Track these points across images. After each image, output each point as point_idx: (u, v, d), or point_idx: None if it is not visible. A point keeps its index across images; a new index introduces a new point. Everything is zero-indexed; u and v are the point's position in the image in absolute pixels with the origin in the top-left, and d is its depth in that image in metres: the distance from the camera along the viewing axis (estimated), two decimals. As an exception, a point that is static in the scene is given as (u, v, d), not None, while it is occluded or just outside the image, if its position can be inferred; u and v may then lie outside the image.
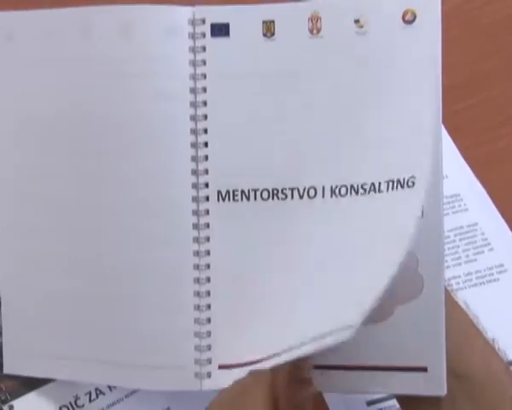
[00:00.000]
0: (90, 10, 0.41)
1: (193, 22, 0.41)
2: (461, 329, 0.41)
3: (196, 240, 0.41)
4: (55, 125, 0.42)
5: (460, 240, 0.59)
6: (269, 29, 0.41)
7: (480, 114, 0.65)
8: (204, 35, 0.41)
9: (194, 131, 0.41)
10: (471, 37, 0.68)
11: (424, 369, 0.40)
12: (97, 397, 0.47)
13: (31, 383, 0.46)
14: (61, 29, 0.41)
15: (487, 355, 0.41)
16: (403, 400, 0.43)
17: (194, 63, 0.41)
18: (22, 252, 0.43)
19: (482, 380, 0.40)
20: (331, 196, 0.39)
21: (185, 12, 0.41)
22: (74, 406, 0.46)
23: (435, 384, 0.40)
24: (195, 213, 0.41)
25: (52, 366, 0.43)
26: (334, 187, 0.40)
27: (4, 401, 0.45)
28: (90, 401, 0.47)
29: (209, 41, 0.41)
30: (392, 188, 0.38)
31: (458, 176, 0.62)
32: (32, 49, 0.42)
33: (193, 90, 0.41)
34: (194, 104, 0.41)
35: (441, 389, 0.39)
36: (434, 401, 0.40)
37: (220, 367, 0.41)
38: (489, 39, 0.68)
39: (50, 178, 0.42)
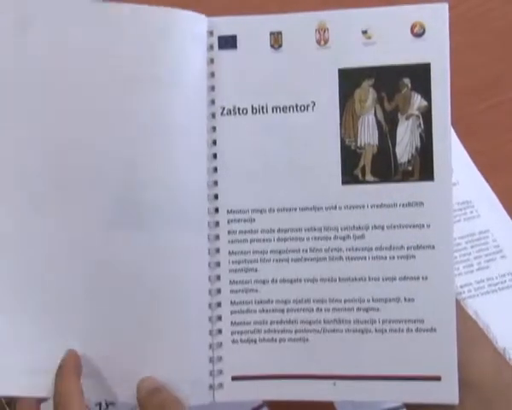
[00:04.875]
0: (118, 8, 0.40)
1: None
2: (471, 339, 0.41)
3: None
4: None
5: (472, 247, 0.59)
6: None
7: (492, 118, 0.64)
8: (212, 47, 0.41)
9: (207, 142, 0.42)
10: (482, 40, 0.68)
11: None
12: (107, 407, 0.47)
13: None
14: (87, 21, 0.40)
15: (498, 366, 0.41)
16: (413, 409, 0.43)
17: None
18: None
19: (493, 391, 0.40)
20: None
21: (204, 21, 0.41)
22: (84, 416, 0.46)
23: (448, 393, 0.40)
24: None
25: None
26: None
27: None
28: (100, 410, 0.47)
29: (217, 53, 0.41)
30: None
31: (469, 182, 0.62)
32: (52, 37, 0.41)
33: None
34: (207, 115, 0.42)
35: (454, 398, 0.39)
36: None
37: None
38: (501, 43, 0.68)
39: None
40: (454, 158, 0.61)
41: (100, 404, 0.47)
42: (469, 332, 0.41)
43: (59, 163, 0.41)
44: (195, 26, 0.41)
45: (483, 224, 0.60)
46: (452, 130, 0.61)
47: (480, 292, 0.57)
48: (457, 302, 0.41)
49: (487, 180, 0.61)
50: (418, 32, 0.39)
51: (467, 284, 0.57)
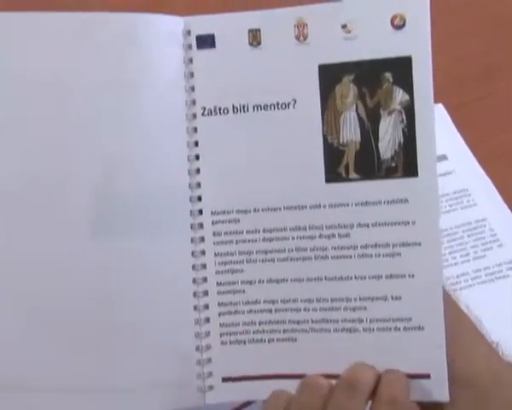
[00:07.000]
0: (89, 16, 0.41)
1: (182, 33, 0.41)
2: (463, 334, 0.40)
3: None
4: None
5: (468, 236, 0.58)
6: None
7: (489, 107, 0.64)
8: (190, 47, 0.41)
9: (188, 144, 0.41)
10: (481, 29, 0.67)
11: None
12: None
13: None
14: (58, 33, 0.41)
15: (492, 361, 0.40)
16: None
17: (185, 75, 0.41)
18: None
19: (487, 386, 0.39)
20: None
21: (179, 22, 0.41)
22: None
23: (438, 391, 0.39)
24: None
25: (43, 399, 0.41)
26: None
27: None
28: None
29: (195, 53, 0.41)
30: None
31: (466, 171, 0.61)
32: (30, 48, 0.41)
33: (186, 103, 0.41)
34: (188, 116, 0.41)
35: (444, 396, 0.39)
36: (437, 408, 0.39)
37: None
38: (499, 32, 0.67)
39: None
40: (451, 146, 0.60)
41: None
42: (461, 327, 0.40)
43: (35, 174, 0.41)
44: (168, 28, 0.41)
45: (480, 212, 0.59)
46: (449, 118, 0.61)
47: (476, 282, 0.56)
48: (448, 296, 0.40)
49: (484, 168, 0.61)
50: (398, 24, 0.39)
51: (463, 273, 0.57)
